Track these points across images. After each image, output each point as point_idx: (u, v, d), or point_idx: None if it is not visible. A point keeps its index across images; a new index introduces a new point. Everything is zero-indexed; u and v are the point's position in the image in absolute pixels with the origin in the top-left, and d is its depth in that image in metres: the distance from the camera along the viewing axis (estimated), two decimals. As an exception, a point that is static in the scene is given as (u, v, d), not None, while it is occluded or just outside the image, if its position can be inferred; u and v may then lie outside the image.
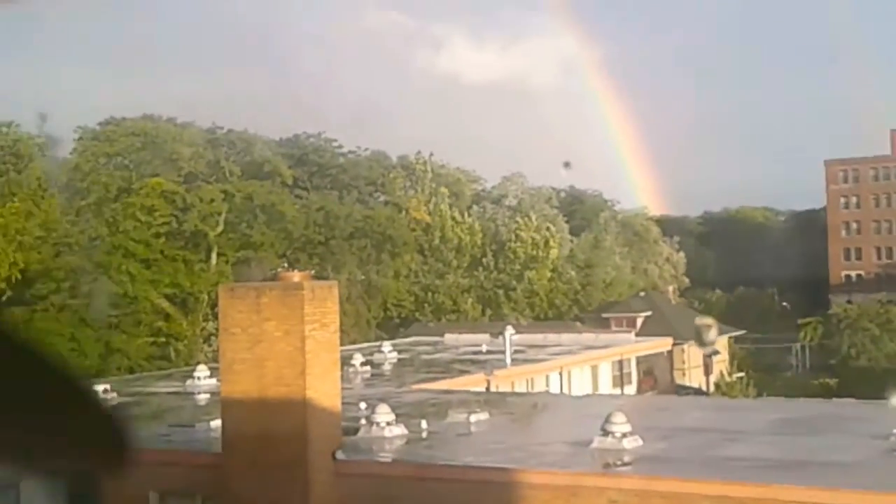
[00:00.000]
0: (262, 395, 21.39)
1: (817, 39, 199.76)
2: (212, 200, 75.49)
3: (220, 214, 75.93)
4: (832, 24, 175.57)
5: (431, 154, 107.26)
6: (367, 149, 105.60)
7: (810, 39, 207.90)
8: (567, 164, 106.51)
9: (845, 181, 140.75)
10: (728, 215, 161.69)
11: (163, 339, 68.73)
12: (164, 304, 68.71)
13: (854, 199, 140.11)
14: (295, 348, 21.23)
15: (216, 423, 24.43)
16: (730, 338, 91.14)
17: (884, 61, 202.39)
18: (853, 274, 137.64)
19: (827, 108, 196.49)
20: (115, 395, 37.94)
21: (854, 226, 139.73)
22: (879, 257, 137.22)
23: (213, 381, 36.66)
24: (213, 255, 75.34)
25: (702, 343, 67.46)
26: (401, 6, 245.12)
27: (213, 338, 64.59)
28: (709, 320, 72.01)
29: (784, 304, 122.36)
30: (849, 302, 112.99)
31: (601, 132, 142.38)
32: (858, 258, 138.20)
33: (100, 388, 38.25)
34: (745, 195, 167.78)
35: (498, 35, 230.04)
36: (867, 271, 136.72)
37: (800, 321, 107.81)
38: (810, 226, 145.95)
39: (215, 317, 46.32)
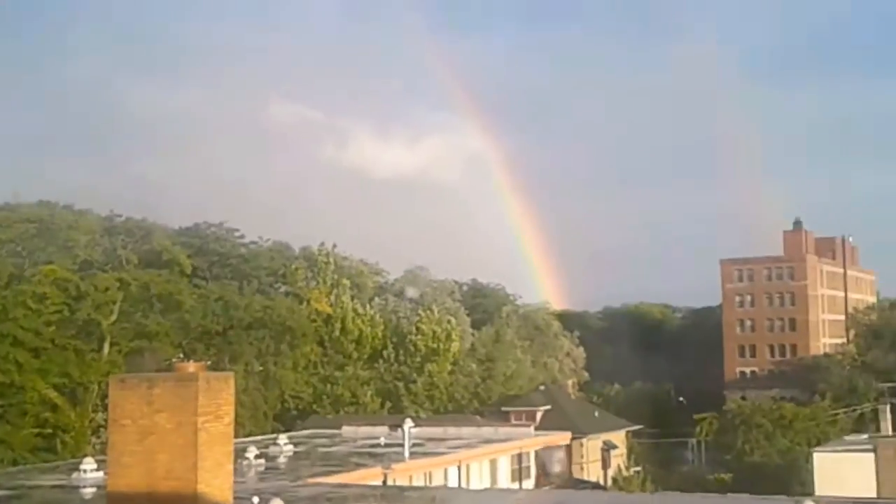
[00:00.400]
0: (152, 490, 20.64)
1: (716, 143, 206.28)
2: (106, 289, 73.81)
3: (114, 303, 74.21)
4: (730, 129, 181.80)
5: (335, 245, 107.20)
6: (269, 239, 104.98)
7: (709, 143, 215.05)
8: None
9: (740, 280, 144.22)
10: (627, 311, 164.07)
11: (49, 431, 66.34)
12: (52, 394, 66.45)
13: (749, 298, 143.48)
14: (187, 441, 20.60)
15: (102, 518, 23.56)
16: (627, 432, 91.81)
17: (778, 167, 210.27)
18: (747, 371, 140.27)
19: (724, 210, 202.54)
20: (-4, 488, 36.45)
21: (748, 323, 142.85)
22: (773, 355, 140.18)
23: (101, 474, 35.49)
24: (106, 345, 73.42)
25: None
26: (307, 100, 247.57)
27: (101, 430, 62.74)
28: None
29: (681, 399, 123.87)
30: (743, 398, 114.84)
31: (505, 227, 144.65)
32: (753, 355, 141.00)
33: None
34: (643, 292, 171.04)
35: (404, 131, 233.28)
36: (761, 368, 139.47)
37: (696, 416, 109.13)
38: (706, 323, 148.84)
39: (105, 408, 45.03)
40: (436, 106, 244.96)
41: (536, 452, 66.35)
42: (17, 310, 67.54)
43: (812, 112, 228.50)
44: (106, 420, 41.55)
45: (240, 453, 42.63)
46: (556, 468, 69.31)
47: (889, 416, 73.63)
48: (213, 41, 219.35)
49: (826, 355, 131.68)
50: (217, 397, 21.21)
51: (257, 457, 47.30)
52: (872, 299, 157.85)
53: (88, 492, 37.19)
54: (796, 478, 74.11)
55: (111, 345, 73.78)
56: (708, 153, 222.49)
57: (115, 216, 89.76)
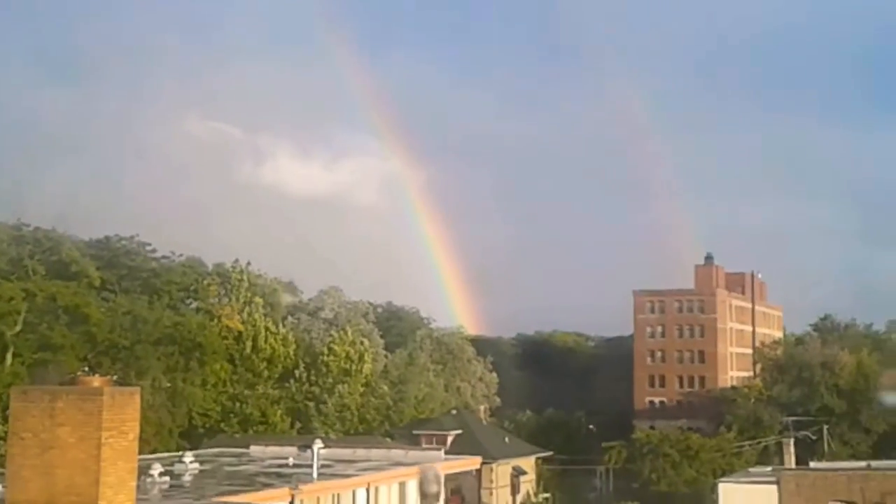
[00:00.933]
0: (51, 505, 20.10)
1: (632, 176, 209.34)
2: (11, 299, 72.14)
3: (19, 314, 72.55)
4: (645, 162, 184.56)
5: (248, 263, 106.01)
6: (181, 254, 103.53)
7: (625, 175, 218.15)
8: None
9: (652, 311, 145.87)
10: (541, 338, 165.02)
11: (-55, 442, 64.41)
12: (-50, 404, 64.59)
13: (659, 329, 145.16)
14: (89, 456, 20.11)
15: (-4, 533, 22.87)
16: (537, 458, 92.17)
17: (692, 201, 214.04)
18: (657, 400, 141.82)
19: (638, 241, 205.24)
20: None
21: (659, 354, 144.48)
22: (682, 385, 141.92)
23: (-2, 488, 34.41)
24: (9, 356, 71.67)
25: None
26: (226, 116, 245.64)
27: (0, 442, 61.04)
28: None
29: (591, 426, 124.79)
30: (652, 427, 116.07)
31: (421, 251, 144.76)
32: (662, 385, 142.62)
33: None
34: (557, 320, 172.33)
35: (323, 151, 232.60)
36: (670, 398, 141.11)
37: (604, 445, 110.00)
38: (618, 352, 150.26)
39: (5, 420, 43.83)
40: (355, 127, 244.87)
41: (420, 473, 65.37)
42: (-83, 317, 65.66)
43: (727, 147, 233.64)
44: (6, 432, 40.45)
45: (144, 470, 41.76)
46: (433, 487, 67.36)
47: (793, 449, 75.08)
48: (132, 53, 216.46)
49: (733, 388, 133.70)
50: (122, 412, 20.77)
51: (162, 474, 46.42)
52: (779, 334, 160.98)
53: (-16, 506, 36.06)
54: (701, 508, 75.07)
55: (14, 356, 72.12)
56: (623, 185, 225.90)
57: (22, 225, 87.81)
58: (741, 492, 57.76)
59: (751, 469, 72.41)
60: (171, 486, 45.96)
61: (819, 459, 78.89)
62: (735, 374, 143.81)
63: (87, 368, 64.63)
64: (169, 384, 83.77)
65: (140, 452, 21.71)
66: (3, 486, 24.24)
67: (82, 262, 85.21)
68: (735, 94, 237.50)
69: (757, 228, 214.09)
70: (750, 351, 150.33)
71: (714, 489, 63.43)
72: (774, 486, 54.43)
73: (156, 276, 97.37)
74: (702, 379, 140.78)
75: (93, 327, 77.26)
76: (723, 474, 76.83)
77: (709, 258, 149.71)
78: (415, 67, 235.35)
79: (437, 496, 68.33)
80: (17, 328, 72.62)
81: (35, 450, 20.31)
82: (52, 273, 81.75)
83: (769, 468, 67.84)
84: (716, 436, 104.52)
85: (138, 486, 21.71)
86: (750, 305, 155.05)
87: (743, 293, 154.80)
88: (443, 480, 68.74)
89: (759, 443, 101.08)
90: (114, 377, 26.33)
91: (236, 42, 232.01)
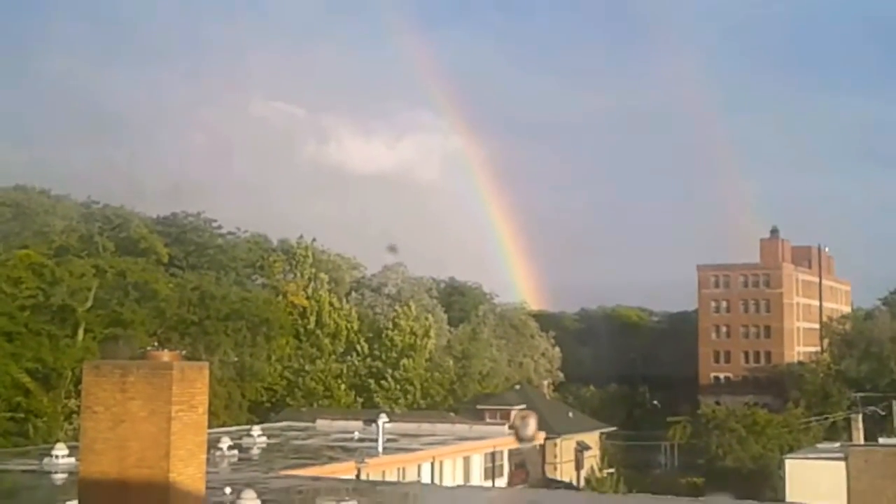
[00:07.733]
0: (123, 477, 20.48)
1: (696, 149, 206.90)
2: (82, 275, 73.28)
3: (89, 290, 73.66)
4: (710, 135, 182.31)
5: (313, 239, 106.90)
6: (246, 231, 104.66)
7: (689, 148, 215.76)
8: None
9: (717, 286, 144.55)
10: (604, 313, 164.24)
11: (21, 415, 65.76)
12: (25, 378, 65.81)
13: (724, 304, 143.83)
14: (160, 429, 20.45)
15: (72, 504, 23.39)
16: (601, 434, 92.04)
17: (756, 174, 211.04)
18: (722, 376, 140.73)
19: (702, 216, 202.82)
20: (-36, 472, 36.16)
21: (724, 329, 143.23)
22: (747, 361, 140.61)
23: (72, 460, 35.28)
24: (80, 331, 72.86)
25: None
26: (289, 96, 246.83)
27: (74, 416, 62.30)
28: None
29: (655, 402, 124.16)
30: (717, 403, 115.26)
31: (483, 227, 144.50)
32: (727, 361, 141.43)
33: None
34: (620, 294, 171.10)
35: (385, 128, 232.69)
36: (735, 374, 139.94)
37: (669, 420, 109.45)
38: (682, 327, 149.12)
39: (78, 394, 44.78)
40: (417, 105, 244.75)
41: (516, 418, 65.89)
42: (-9, 293, 66.99)
43: (792, 120, 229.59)
44: (79, 406, 41.36)
45: (213, 444, 42.49)
46: (528, 430, 65.94)
47: (861, 425, 74.07)
48: (194, 36, 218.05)
49: (800, 363, 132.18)
50: (191, 387, 21.05)
51: (230, 447, 47.18)
52: (847, 309, 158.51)
53: (60, 477, 36.96)
54: (768, 483, 74.49)
55: (86, 331, 73.27)
56: (688, 158, 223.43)
57: (92, 202, 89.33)
58: (808, 468, 57.02)
59: (818, 445, 71.46)
60: (239, 459, 46.70)
61: (888, 436, 77.62)
62: (802, 349, 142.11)
63: (156, 344, 65.67)
64: (237, 359, 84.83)
65: (209, 426, 22.05)
66: (78, 459, 24.84)
67: (150, 239, 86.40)
68: (800, 67, 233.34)
69: (824, 201, 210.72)
70: (817, 326, 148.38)
71: (781, 465, 62.78)
72: (842, 463, 53.70)
73: (222, 253, 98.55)
74: (767, 354, 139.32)
75: (162, 303, 78.32)
76: (790, 450, 75.99)
77: (774, 232, 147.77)
78: (474, 44, 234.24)
79: (531, 438, 68.66)
80: (88, 304, 73.75)
81: (107, 423, 20.67)
82: (121, 249, 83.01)
83: (837, 444, 66.89)
84: (783, 411, 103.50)
85: (208, 459, 22.08)
86: (817, 279, 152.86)
87: (810, 267, 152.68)
88: (536, 423, 68.46)
89: (827, 419, 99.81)
90: (183, 352, 26.76)
91: (296, 21, 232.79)
